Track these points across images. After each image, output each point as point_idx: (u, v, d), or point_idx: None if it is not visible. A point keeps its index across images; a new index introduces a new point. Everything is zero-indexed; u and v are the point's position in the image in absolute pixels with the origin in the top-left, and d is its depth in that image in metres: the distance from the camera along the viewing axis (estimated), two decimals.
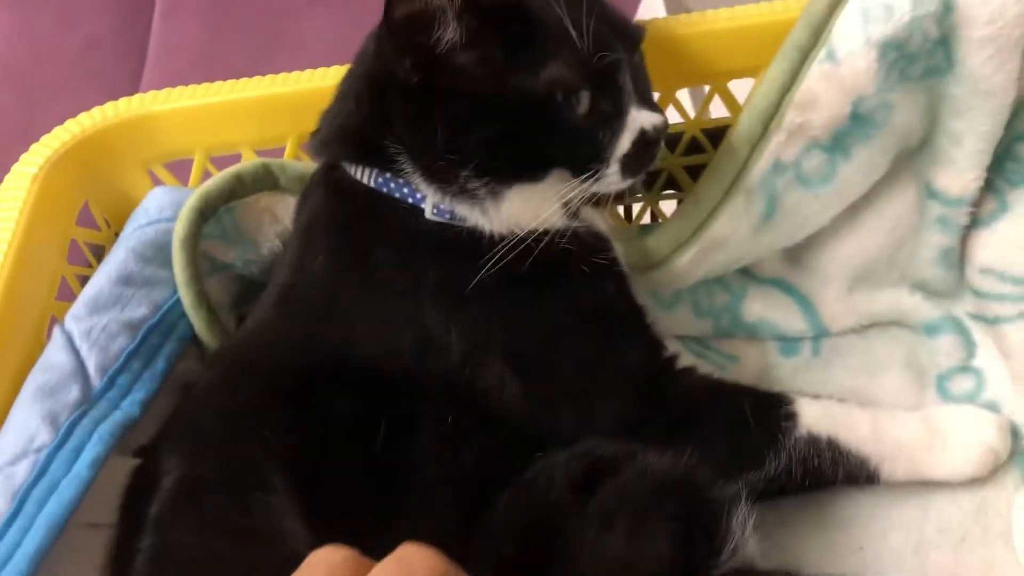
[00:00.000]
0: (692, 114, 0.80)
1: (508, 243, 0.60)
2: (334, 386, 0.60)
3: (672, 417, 0.62)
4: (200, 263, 0.72)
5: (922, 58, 0.67)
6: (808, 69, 0.68)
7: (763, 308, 0.80)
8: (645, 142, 0.63)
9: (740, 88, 0.78)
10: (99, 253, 0.77)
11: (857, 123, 0.69)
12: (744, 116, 0.70)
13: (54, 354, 0.64)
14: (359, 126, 0.64)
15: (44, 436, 0.58)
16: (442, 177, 0.61)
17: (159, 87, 0.78)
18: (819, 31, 0.68)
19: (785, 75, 0.69)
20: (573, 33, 0.59)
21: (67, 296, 0.71)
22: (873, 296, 0.78)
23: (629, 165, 0.63)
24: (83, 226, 0.77)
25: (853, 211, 0.75)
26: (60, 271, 0.72)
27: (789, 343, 0.80)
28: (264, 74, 0.77)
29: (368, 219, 0.64)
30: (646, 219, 0.88)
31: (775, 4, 0.74)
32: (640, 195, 0.83)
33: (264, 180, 0.75)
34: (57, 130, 0.75)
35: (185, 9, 1.77)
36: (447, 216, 0.62)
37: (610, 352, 0.63)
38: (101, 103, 0.76)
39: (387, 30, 0.59)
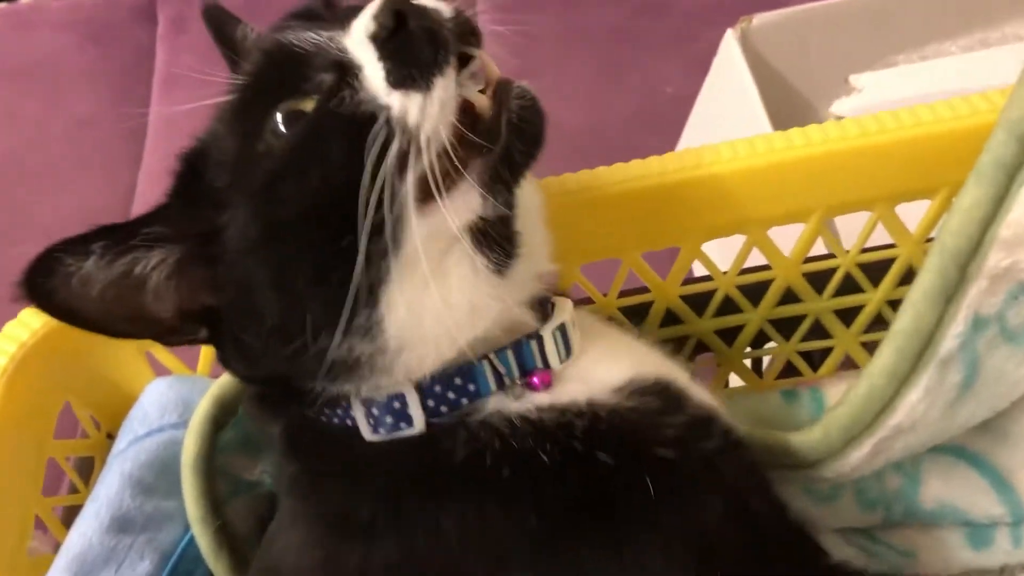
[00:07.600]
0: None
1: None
2: None
3: None
4: (218, 486, 0.55)
5: None
6: (1016, 194, 0.51)
7: (944, 488, 0.62)
8: (388, 38, 0.42)
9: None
10: (87, 470, 0.59)
11: None
12: (933, 261, 0.52)
13: None
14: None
15: None
16: (299, 364, 0.44)
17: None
18: None
19: (987, 203, 0.52)
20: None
21: (44, 545, 0.53)
22: None
23: (404, 74, 0.42)
24: (63, 437, 0.59)
25: None
26: (31, 511, 0.54)
27: (979, 531, 0.62)
28: None
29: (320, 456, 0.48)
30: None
31: (956, 106, 0.56)
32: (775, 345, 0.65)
33: None
34: (24, 314, 0.57)
35: (186, 79, 1.61)
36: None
37: None
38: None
39: None
